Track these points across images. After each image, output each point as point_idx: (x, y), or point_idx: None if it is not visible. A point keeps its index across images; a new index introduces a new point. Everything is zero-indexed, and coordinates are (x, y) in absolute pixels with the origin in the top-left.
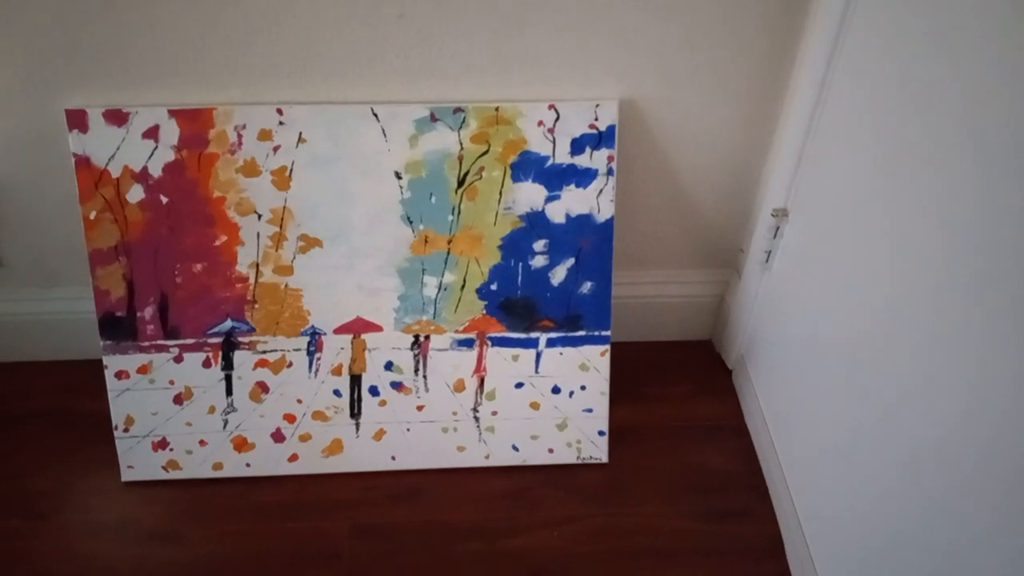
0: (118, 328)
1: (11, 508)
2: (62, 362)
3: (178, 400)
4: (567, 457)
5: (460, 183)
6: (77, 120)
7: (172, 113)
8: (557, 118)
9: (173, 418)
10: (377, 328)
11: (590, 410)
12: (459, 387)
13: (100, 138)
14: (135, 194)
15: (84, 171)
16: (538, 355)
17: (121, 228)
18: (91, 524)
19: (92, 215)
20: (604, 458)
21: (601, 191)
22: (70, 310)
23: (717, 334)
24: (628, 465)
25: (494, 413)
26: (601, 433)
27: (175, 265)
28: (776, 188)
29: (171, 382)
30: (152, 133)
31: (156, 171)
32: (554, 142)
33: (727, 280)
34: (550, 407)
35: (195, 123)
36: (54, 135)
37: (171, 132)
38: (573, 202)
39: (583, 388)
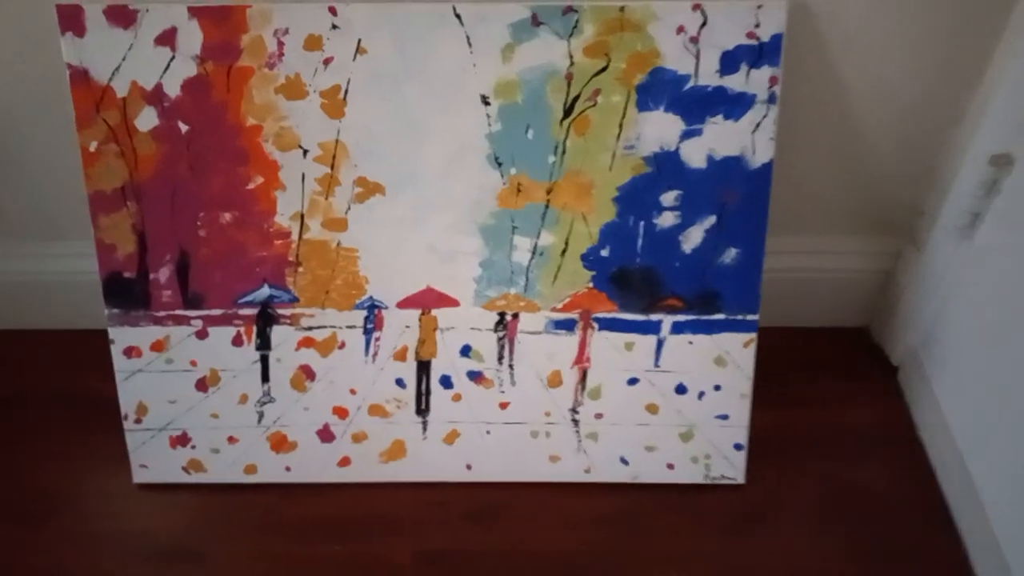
0: (127, 293)
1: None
2: (68, 332)
3: (202, 386)
4: (692, 475)
5: (567, 112)
6: (71, 19)
7: (193, 12)
8: (703, 23)
9: (196, 408)
10: (452, 302)
11: (725, 417)
12: (554, 381)
13: (101, 44)
14: (146, 120)
15: (81, 88)
16: (659, 343)
17: (129, 164)
18: (95, 535)
19: (92, 146)
20: (740, 478)
21: (758, 125)
22: (76, 269)
23: (878, 320)
24: (769, 487)
25: (598, 416)
26: (738, 447)
27: (198, 214)
28: (994, 127)
29: (193, 363)
30: (167, 38)
31: (173, 89)
32: (698, 56)
33: (897, 251)
34: (672, 411)
35: (223, 26)
36: (45, 40)
37: (192, 37)
38: (719, 140)
39: (717, 388)
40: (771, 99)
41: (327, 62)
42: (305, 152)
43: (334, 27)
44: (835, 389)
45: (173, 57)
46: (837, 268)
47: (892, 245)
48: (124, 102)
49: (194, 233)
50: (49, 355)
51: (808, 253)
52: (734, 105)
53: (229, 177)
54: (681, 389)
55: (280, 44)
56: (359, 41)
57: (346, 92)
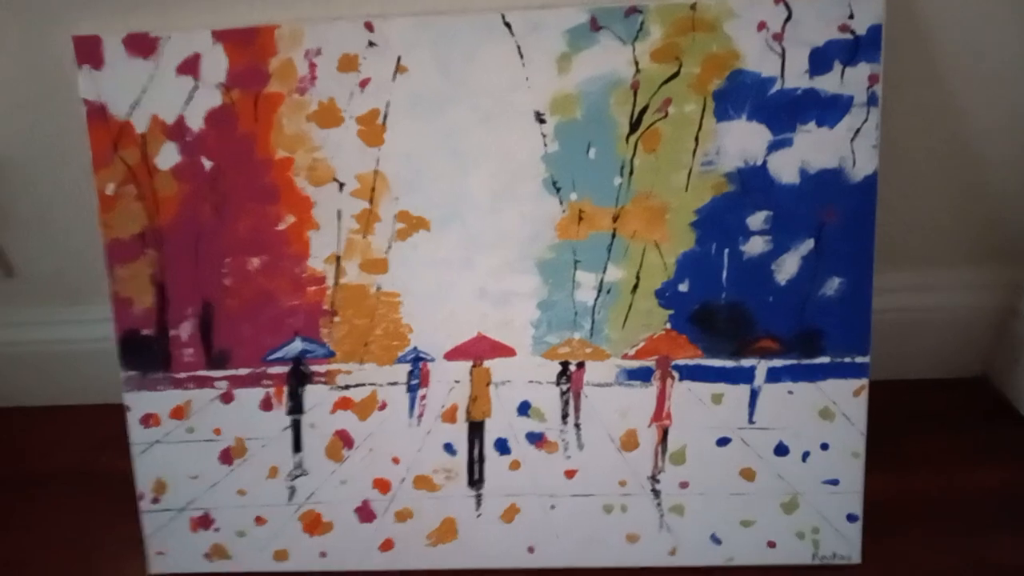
0: (145, 353)
1: None
2: (88, 407)
3: (226, 457)
4: (798, 555)
5: (634, 127)
6: (88, 50)
7: (217, 36)
8: (788, 17)
9: (220, 484)
10: (508, 351)
11: (835, 482)
12: (629, 443)
13: (119, 76)
14: (167, 157)
15: (98, 125)
16: (753, 394)
17: (149, 208)
18: None
19: (109, 189)
20: (855, 556)
21: (858, 131)
22: (101, 336)
23: (999, 366)
24: (892, 567)
25: (683, 485)
26: (851, 518)
27: (223, 260)
28: None
29: (216, 431)
30: (191, 66)
31: (196, 122)
32: (783, 55)
33: (1018, 284)
34: (771, 476)
35: (250, 49)
36: (62, 77)
37: (217, 64)
38: (812, 150)
39: (824, 448)
40: (871, 100)
41: (363, 84)
42: (341, 186)
43: (371, 44)
44: (957, 448)
45: (196, 87)
46: (948, 306)
47: (1012, 276)
48: (144, 139)
49: (219, 282)
50: (72, 431)
51: (912, 290)
52: (828, 109)
53: (257, 217)
54: (782, 449)
55: (312, 66)
56: (398, 59)
57: (385, 117)
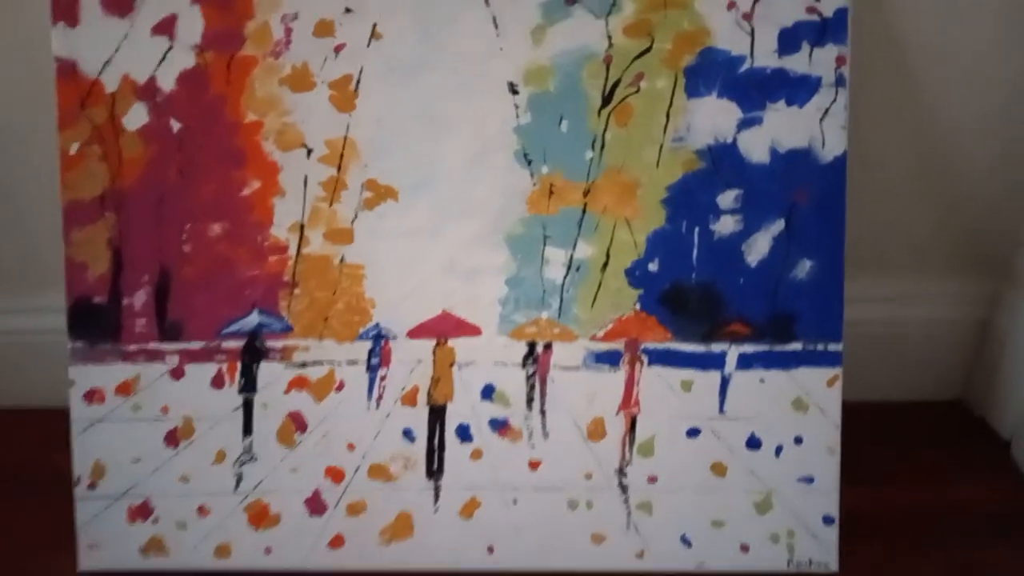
0: (95, 322)
1: None
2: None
3: (172, 439)
4: (772, 560)
5: (606, 100)
6: (64, 7)
7: None
8: None
9: (163, 468)
10: (473, 330)
11: (810, 480)
12: (596, 432)
13: (94, 34)
14: (136, 117)
15: (67, 83)
16: (724, 382)
17: (112, 168)
18: None
19: (73, 148)
20: (833, 564)
21: (827, 111)
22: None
23: (977, 383)
24: (868, 574)
25: (652, 480)
26: (828, 520)
27: (184, 226)
28: None
29: (164, 410)
30: (167, 26)
31: (167, 83)
32: (752, 34)
33: (994, 294)
34: (744, 472)
35: (227, 12)
36: (36, 53)
37: (193, 25)
38: (783, 129)
39: (798, 442)
40: (839, 81)
41: (338, 49)
42: (309, 152)
43: (348, 11)
44: (934, 466)
45: (171, 47)
46: (924, 317)
47: (988, 289)
48: (113, 98)
49: (178, 248)
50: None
51: (886, 301)
52: (797, 89)
53: (222, 182)
54: (754, 442)
55: (287, 31)
56: (374, 26)
57: (358, 82)
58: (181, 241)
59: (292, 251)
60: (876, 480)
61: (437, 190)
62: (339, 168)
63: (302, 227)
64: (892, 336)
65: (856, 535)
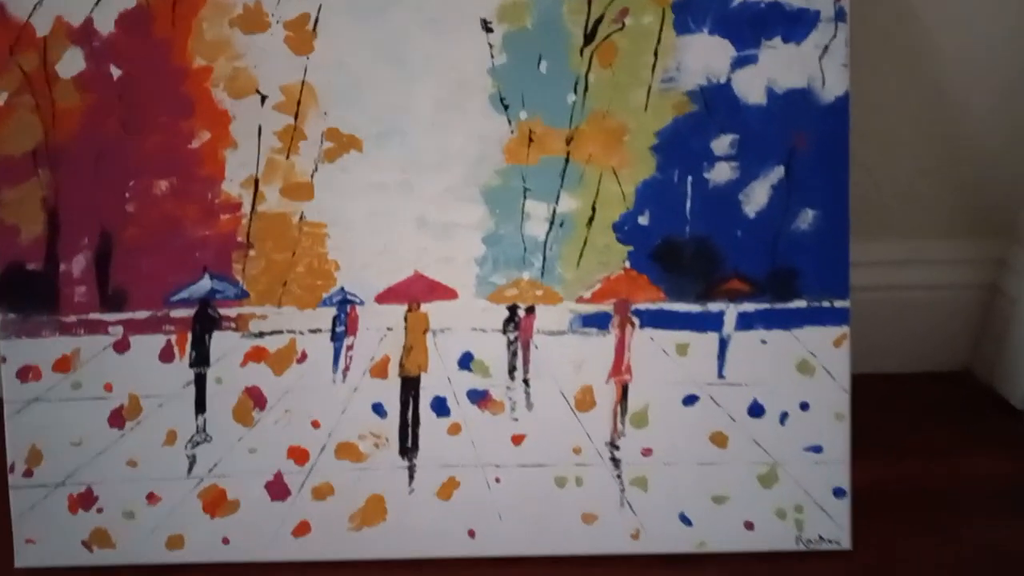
0: (29, 291)
1: None
2: None
3: (117, 419)
4: (779, 538)
5: (588, 38)
6: None
7: None
8: None
9: (107, 452)
10: (449, 293)
11: (818, 449)
12: (585, 402)
13: None
14: (71, 64)
15: None
16: (723, 344)
17: (45, 121)
18: None
19: (1, 99)
20: (845, 541)
21: (826, 48)
22: None
23: (985, 351)
24: (885, 554)
25: (646, 452)
26: (839, 493)
27: (127, 183)
28: None
29: (107, 387)
30: None
31: (106, 26)
32: None
33: (1002, 258)
34: (746, 442)
35: None
36: None
37: None
38: (779, 68)
39: (804, 408)
40: (839, 16)
41: None
42: (263, 99)
43: None
44: (945, 438)
45: None
46: (930, 282)
47: (994, 252)
48: (45, 42)
49: (120, 208)
50: None
51: (892, 265)
52: (794, 24)
53: (168, 134)
54: (756, 410)
55: None
56: None
57: (316, 22)
58: (123, 200)
59: (246, 209)
60: (885, 455)
61: (405, 139)
62: (296, 116)
63: (257, 182)
64: (894, 303)
65: (866, 512)
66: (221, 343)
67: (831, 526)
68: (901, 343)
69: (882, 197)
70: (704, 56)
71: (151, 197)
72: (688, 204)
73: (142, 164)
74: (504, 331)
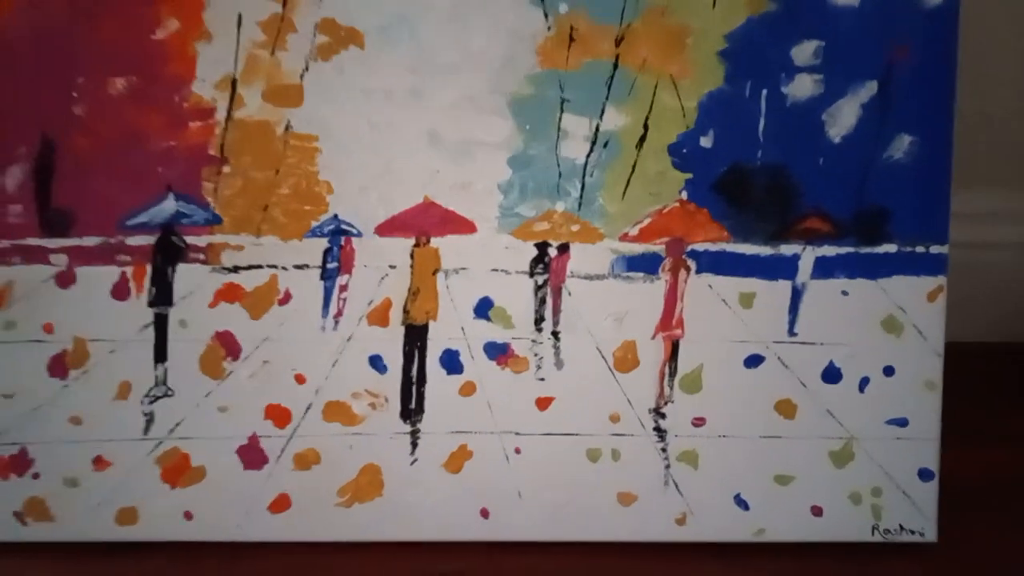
0: None
1: None
2: None
3: (59, 367)
4: (851, 528)
5: None
6: None
7: None
8: None
9: (47, 406)
10: (465, 226)
11: (902, 422)
12: (626, 361)
13: None
14: None
15: None
16: (796, 294)
17: None
18: None
19: None
20: (930, 533)
21: None
22: None
23: None
24: (975, 550)
25: (698, 422)
26: (925, 475)
27: (74, 80)
28: None
29: (47, 328)
30: None
31: None
32: None
33: None
34: (818, 412)
35: None
36: None
37: None
38: None
39: (889, 373)
40: None
41: None
42: None
43: None
44: None
45: None
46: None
47: None
48: None
49: (66, 111)
50: None
51: (973, 219)
52: None
53: (127, 21)
54: (832, 375)
55: None
56: None
57: None
58: (70, 100)
59: (220, 115)
60: (972, 438)
61: (416, 34)
62: (284, 3)
63: (234, 82)
64: (984, 264)
65: (953, 503)
66: (187, 278)
67: (914, 514)
68: (991, 308)
69: (973, 133)
70: None
71: (104, 98)
72: (761, 124)
73: (94, 56)
74: (531, 273)
